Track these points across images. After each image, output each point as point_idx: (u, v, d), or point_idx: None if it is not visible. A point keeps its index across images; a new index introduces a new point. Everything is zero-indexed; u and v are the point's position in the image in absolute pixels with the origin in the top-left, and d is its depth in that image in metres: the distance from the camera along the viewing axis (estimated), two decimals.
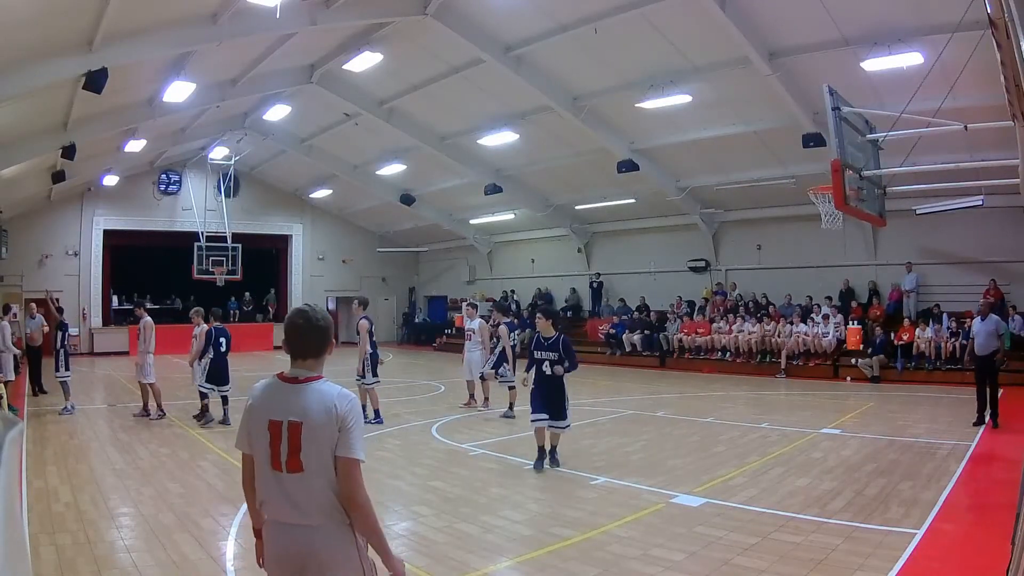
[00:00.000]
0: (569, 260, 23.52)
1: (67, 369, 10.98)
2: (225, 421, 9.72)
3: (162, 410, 10.24)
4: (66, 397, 10.73)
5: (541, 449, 7.04)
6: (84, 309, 22.69)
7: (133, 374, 10.67)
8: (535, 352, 7.13)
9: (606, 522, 5.34)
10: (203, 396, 9.82)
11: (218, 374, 9.74)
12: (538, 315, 7.39)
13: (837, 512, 5.46)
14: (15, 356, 11.23)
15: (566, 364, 6.94)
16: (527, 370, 7.29)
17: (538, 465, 7.00)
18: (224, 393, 9.77)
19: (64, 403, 10.67)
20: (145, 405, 10.30)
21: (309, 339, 2.42)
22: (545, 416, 6.93)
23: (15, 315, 10.90)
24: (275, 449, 2.29)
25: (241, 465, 2.49)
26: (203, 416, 9.74)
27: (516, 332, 11.35)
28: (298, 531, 2.29)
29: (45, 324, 12.70)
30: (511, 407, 10.40)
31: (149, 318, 10.56)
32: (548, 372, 6.95)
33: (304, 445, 2.27)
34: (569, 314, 23.04)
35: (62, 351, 11.03)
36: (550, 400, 6.94)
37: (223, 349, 9.72)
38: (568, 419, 7.06)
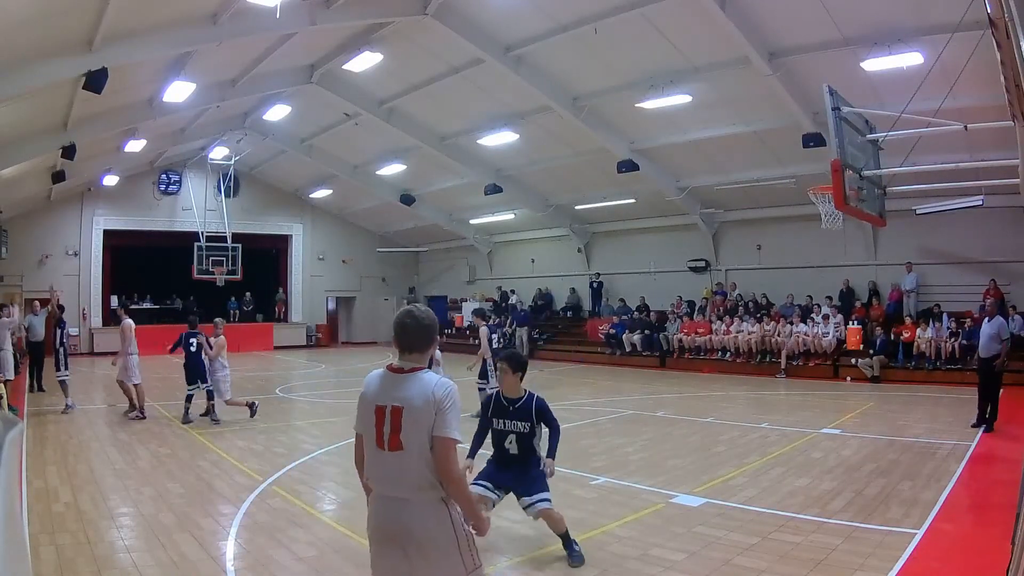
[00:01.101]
0: (569, 260, 23.52)
1: (66, 368, 11.02)
2: (212, 418, 9.84)
3: (143, 412, 10.25)
4: (65, 395, 10.79)
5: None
6: (84, 309, 22.69)
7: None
8: (493, 420, 4.70)
9: (606, 522, 5.34)
10: (187, 399, 10.02)
11: (189, 372, 10.05)
12: (501, 364, 4.73)
13: (837, 512, 5.46)
14: (15, 355, 11.26)
15: (550, 440, 4.70)
16: (471, 454, 4.71)
17: None
18: (207, 388, 9.97)
19: (64, 401, 10.72)
20: (131, 405, 10.37)
21: (415, 336, 2.72)
22: (491, 490, 4.63)
23: (10, 313, 10.95)
24: (379, 430, 2.62)
25: (355, 443, 2.80)
26: (186, 415, 9.89)
27: (495, 336, 11.13)
28: (395, 503, 2.61)
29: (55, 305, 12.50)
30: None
31: (129, 320, 10.73)
32: (513, 452, 4.63)
33: (404, 427, 2.57)
34: (569, 314, 23.10)
35: (61, 350, 11.05)
36: (519, 474, 4.65)
37: (193, 349, 10.02)
38: (548, 491, 4.62)
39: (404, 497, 2.59)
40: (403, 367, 2.68)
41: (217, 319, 10.55)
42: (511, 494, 4.71)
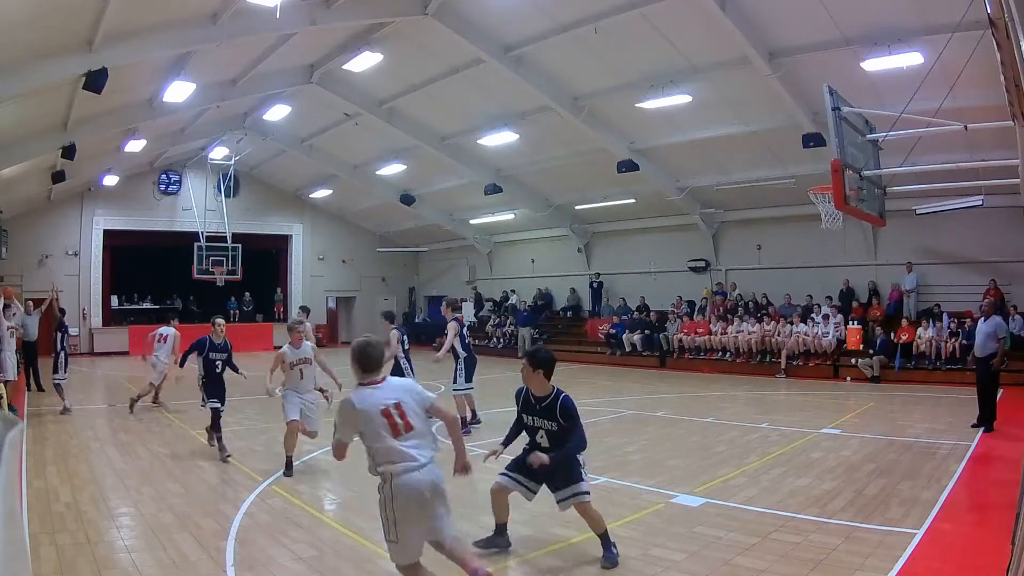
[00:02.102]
0: (569, 260, 23.51)
1: (64, 372, 10.98)
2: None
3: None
4: (62, 399, 10.77)
5: (501, 526, 4.77)
6: (84, 309, 22.67)
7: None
8: (524, 416, 4.69)
9: (606, 522, 5.31)
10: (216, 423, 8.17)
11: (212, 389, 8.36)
12: (524, 361, 4.62)
13: (837, 512, 5.46)
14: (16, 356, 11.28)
15: (567, 446, 4.50)
16: (506, 443, 4.87)
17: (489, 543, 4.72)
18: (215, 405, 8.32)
19: (63, 403, 10.72)
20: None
21: (369, 360, 3.74)
22: (522, 483, 4.65)
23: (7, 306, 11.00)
24: (392, 423, 3.55)
25: (339, 450, 3.90)
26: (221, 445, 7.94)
27: (406, 338, 9.64)
28: (423, 468, 3.51)
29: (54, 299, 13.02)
30: None
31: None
32: (546, 445, 4.60)
33: (408, 413, 3.59)
34: (569, 314, 23.10)
35: (62, 353, 10.99)
36: (553, 469, 4.51)
37: (218, 369, 8.42)
38: (584, 481, 4.60)
39: (427, 460, 3.52)
40: (376, 380, 3.70)
41: (297, 316, 8.81)
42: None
